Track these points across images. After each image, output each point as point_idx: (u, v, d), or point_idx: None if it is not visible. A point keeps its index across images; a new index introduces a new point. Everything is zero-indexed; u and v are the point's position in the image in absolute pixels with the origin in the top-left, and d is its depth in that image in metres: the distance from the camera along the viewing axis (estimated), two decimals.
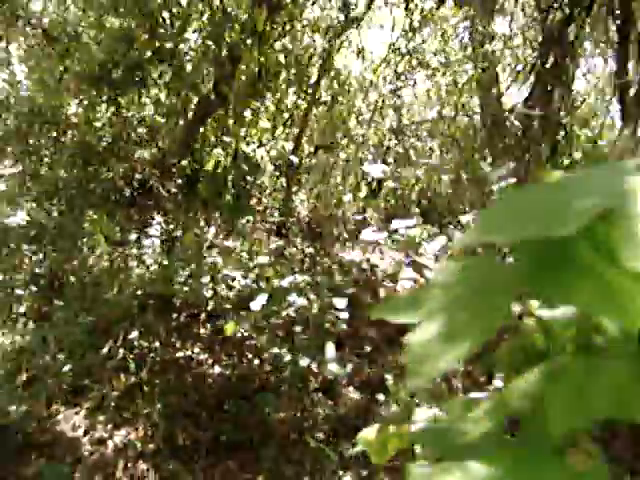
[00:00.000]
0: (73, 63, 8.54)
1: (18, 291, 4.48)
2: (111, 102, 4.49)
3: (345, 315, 2.54)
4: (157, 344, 3.78)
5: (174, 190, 4.38)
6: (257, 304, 2.28)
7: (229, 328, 2.70)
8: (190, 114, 4.40)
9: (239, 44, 3.79)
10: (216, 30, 3.78)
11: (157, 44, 3.78)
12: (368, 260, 7.92)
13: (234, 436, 3.43)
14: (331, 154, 9.64)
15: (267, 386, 4.15)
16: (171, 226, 3.98)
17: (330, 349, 2.46)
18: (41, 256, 5.63)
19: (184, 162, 4.48)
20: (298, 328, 3.01)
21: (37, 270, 4.93)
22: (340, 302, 2.54)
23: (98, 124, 4.48)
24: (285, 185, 7.80)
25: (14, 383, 3.68)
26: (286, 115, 7.45)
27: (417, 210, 11.28)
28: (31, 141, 10.08)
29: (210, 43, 3.85)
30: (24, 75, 10.39)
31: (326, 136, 9.34)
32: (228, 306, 3.65)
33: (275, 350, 2.45)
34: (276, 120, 5.90)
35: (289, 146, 7.44)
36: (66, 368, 3.63)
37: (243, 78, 3.95)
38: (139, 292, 3.68)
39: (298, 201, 8.83)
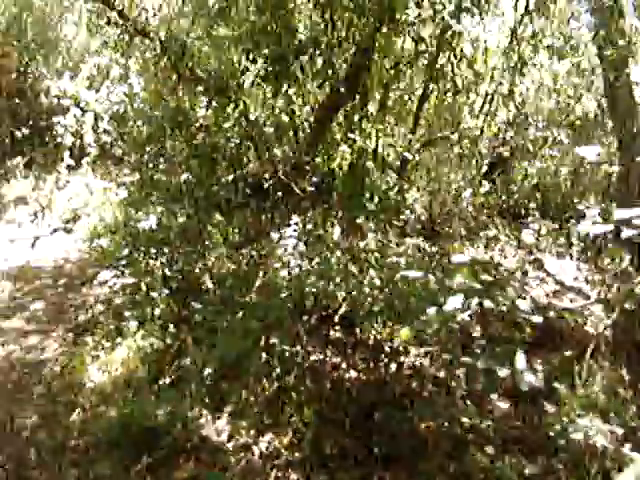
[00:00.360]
0: (187, 70, 8.75)
1: (152, 294, 4.52)
2: (239, 102, 4.43)
3: (538, 319, 2.24)
4: (298, 348, 3.65)
5: (309, 189, 4.25)
6: (451, 305, 2.04)
7: (404, 334, 2.49)
8: (320, 110, 4.25)
9: (373, 33, 3.59)
10: (350, 18, 3.61)
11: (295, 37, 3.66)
12: (491, 258, 7.49)
13: (385, 446, 3.22)
14: (444, 148, 9.24)
15: (408, 392, 3.91)
16: (309, 226, 3.84)
17: (521, 358, 2.18)
18: (164, 259, 5.73)
19: (318, 159, 4.35)
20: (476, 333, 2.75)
21: (168, 273, 4.98)
22: (524, 304, 2.25)
23: (227, 125, 4.45)
24: (398, 181, 7.53)
25: (157, 386, 3.68)
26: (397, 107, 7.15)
27: (533, 205, 10.64)
28: (148, 148, 10.46)
29: (343, 33, 3.68)
30: (140, 87, 10.84)
31: (438, 129, 8.95)
32: (376, 308, 3.45)
33: (467, 359, 2.20)
34: (395, 113, 5.64)
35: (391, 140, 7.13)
36: (207, 371, 3.58)
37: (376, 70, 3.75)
38: (284, 295, 3.56)
39: (411, 198, 8.51)
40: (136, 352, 4.21)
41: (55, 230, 8.88)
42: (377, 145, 3.69)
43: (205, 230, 5.18)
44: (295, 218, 3.96)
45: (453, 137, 9.14)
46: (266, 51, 3.72)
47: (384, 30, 3.61)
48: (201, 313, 3.82)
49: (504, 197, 10.24)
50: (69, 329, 5.34)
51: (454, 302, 2.06)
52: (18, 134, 11.71)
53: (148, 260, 5.68)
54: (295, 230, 3.82)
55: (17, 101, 12.26)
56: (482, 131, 9.11)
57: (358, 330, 4.55)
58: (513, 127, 9.68)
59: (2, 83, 12.09)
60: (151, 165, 9.85)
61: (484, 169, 9.62)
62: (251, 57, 3.84)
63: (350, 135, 4.80)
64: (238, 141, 4.50)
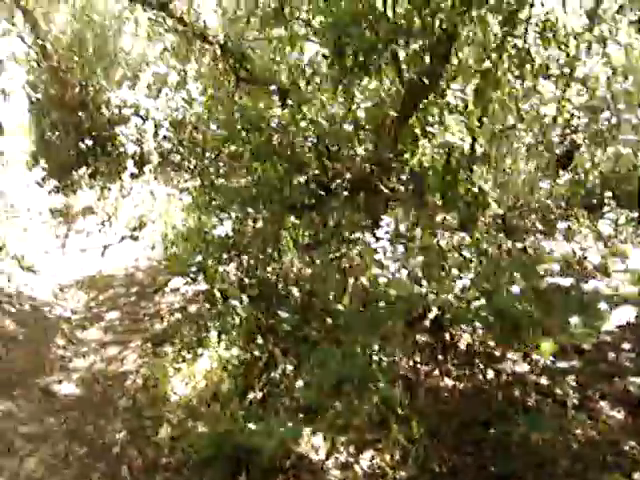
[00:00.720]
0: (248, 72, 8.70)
1: (232, 302, 4.39)
2: (314, 100, 4.25)
3: None
4: (397, 358, 3.42)
5: (399, 187, 4.00)
6: (620, 316, 1.78)
7: (548, 348, 2.23)
8: (402, 102, 4.01)
9: (459, 16, 3.32)
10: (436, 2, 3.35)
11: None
12: (573, 252, 7.06)
13: (497, 462, 2.96)
14: (513, 138, 8.81)
15: (511, 402, 3.62)
16: (401, 227, 3.58)
17: None
18: (238, 265, 5.61)
19: (406, 155, 4.10)
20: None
21: (245, 280, 4.85)
22: None
23: (303, 124, 4.26)
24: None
25: (247, 400, 3.52)
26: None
27: (608, 194, 10.05)
28: (207, 154, 10.47)
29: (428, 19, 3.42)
30: (199, 92, 10.89)
31: (507, 118, 8.52)
32: (482, 313, 3.17)
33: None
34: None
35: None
36: (299, 384, 3.40)
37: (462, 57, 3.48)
38: (384, 303, 3.31)
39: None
40: (219, 363, 4.08)
41: (123, 238, 8.96)
42: (474, 139, 3.41)
43: (279, 234, 5.03)
44: (386, 218, 3.71)
45: (522, 126, 8.70)
46: (342, 42, 3.51)
47: (473, 13, 3.34)
48: (288, 322, 3.64)
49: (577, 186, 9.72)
50: (146, 339, 5.29)
51: (626, 312, 1.79)
52: (82, 146, 11.96)
53: (221, 266, 5.59)
54: (387, 232, 3.58)
55: (80, 113, 12.51)
56: (555, 119, 8.64)
57: (447, 334, 4.29)
58: (587, 112, 9.17)
59: (66, 97, 12.38)
60: (212, 169, 9.86)
61: (557, 158, 9.16)
62: (332, 50, 3.63)
63: (429, 129, 4.55)
64: (315, 140, 4.30)
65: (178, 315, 5.58)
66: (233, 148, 4.63)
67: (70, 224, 9.83)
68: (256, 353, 3.69)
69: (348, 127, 4.24)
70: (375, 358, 3.09)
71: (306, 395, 3.06)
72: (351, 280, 3.45)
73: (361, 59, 3.31)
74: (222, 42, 8.66)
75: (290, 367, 3.56)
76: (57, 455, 3.63)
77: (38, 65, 12.41)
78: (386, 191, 3.88)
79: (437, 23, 3.53)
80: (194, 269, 6.04)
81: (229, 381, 3.84)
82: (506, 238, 6.51)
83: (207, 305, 5.25)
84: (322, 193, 5.15)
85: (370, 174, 4.03)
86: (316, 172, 4.96)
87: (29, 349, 5.14)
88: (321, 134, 4.18)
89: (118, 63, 12.56)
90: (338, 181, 4.91)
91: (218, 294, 5.35)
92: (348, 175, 4.26)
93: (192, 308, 5.69)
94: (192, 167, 10.89)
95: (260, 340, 3.69)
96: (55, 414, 4.10)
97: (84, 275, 7.56)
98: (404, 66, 3.82)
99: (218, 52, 8.51)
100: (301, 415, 3.33)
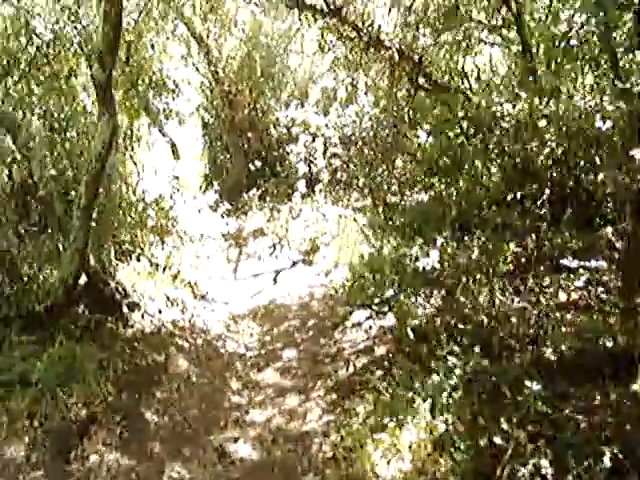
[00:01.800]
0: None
1: (448, 357, 3.40)
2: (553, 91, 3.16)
3: None
4: None
5: None
6: None
7: None
8: None
9: None
10: None
11: None
12: None
13: None
14: None
15: None
16: None
17: None
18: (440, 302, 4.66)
19: None
20: None
21: (453, 321, 3.85)
22: None
23: (542, 123, 3.20)
24: None
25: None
26: None
27: None
28: (378, 170, 9.64)
29: None
30: (370, 104, 10.13)
31: None
32: None
33: None
34: None
35: None
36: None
37: None
38: None
39: None
40: (432, 438, 3.11)
41: (295, 263, 8.42)
42: None
43: (493, 265, 3.97)
44: None
45: None
46: None
47: None
48: (540, 396, 2.57)
49: None
50: (331, 388, 4.49)
51: None
52: (251, 167, 11.84)
53: (411, 299, 4.68)
54: None
55: (249, 135, 12.45)
56: None
57: None
58: None
59: (236, 120, 12.37)
60: (385, 187, 8.98)
61: None
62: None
63: None
64: (555, 145, 3.22)
65: (365, 359, 4.72)
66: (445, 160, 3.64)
67: (241, 247, 9.53)
68: (497, 440, 2.65)
69: (601, 124, 3.09)
70: None
71: None
72: None
73: None
74: (398, 47, 7.86)
75: (545, 462, 2.48)
76: None
77: (210, 91, 12.56)
78: None
79: None
80: (377, 301, 5.20)
81: (450, 466, 2.85)
82: None
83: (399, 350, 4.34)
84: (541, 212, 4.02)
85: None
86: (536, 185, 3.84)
87: (202, 394, 4.58)
88: (566, 135, 3.09)
89: (285, 82, 12.34)
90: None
91: (411, 334, 4.44)
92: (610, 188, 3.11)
93: (380, 350, 4.81)
94: (361, 185, 10.20)
95: (506, 424, 2.64)
96: None
97: (257, 304, 7.04)
98: None
99: (396, 57, 7.68)
100: None
